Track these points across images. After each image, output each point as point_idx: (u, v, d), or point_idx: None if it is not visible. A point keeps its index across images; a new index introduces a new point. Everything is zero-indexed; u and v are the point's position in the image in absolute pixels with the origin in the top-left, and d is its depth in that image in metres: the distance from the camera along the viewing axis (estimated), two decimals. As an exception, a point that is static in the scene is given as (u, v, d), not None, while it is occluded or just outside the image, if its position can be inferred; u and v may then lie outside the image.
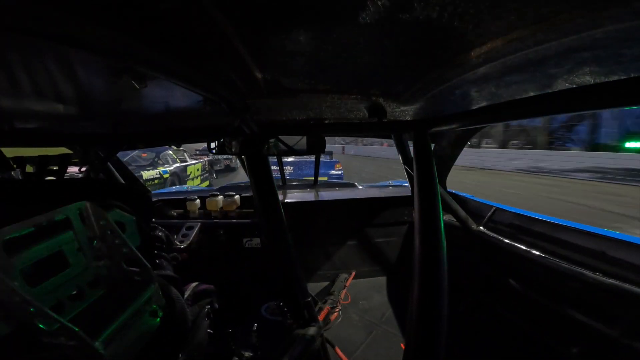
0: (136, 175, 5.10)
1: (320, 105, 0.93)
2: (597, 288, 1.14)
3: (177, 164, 7.94)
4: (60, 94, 0.65)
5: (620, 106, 0.60)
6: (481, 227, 1.84)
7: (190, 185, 8.16)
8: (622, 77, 0.55)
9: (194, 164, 8.82)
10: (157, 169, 7.11)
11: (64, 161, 1.30)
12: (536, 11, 0.35)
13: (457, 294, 1.92)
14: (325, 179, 6.92)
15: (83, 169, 1.74)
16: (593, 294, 1.17)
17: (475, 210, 2.00)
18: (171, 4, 0.33)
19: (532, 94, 0.72)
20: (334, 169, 7.32)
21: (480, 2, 0.33)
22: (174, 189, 3.16)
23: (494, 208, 1.86)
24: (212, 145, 1.52)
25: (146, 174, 6.64)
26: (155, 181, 6.84)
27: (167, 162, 7.63)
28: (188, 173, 8.32)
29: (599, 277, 1.15)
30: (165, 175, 7.25)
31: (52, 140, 1.37)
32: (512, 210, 1.75)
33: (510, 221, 1.73)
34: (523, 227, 1.64)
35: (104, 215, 0.84)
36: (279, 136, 1.43)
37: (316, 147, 1.55)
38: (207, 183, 9.62)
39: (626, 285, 1.07)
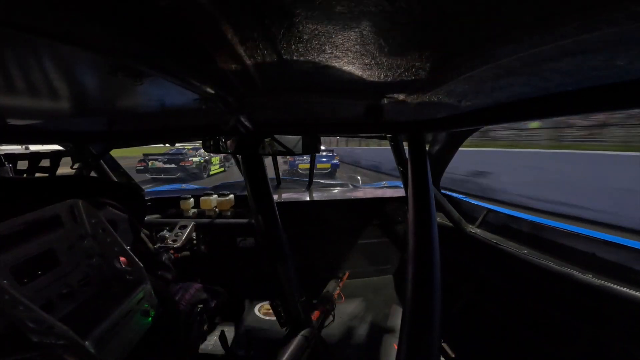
0: (188, 160, 12.22)
1: (316, 105, 0.93)
2: (588, 289, 1.16)
3: (207, 156, 13.51)
4: (55, 90, 0.64)
5: (616, 109, 0.61)
6: (474, 228, 1.85)
7: (212, 168, 14.28)
8: (618, 81, 0.56)
9: (215, 156, 14.53)
10: (198, 157, 12.75)
11: (56, 158, 1.29)
12: (533, 14, 0.35)
13: (450, 294, 1.94)
14: (329, 165, 12.22)
15: (75, 166, 1.72)
16: (584, 295, 1.18)
17: (469, 211, 2.02)
18: (168, 1, 0.33)
19: (528, 96, 0.73)
20: (334, 160, 12.38)
21: (477, 5, 0.34)
22: (167, 187, 3.14)
23: (487, 209, 1.88)
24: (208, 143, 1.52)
25: (194, 160, 12.40)
26: (200, 162, 12.82)
27: (202, 154, 13.16)
28: (212, 161, 14.23)
29: (589, 278, 1.17)
30: (202, 161, 12.99)
31: (46, 138, 1.35)
32: (505, 212, 1.77)
33: (503, 222, 1.75)
34: (516, 229, 1.66)
35: (96, 213, 0.83)
36: (275, 136, 1.42)
37: (311, 147, 1.55)
38: (222, 169, 15.65)
39: (616, 287, 1.09)
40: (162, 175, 12.03)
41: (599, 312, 1.15)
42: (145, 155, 12.43)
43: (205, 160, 13.31)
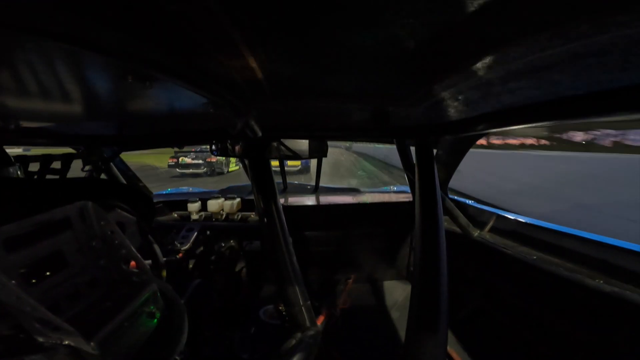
0: (207, 159, 13.53)
1: (323, 109, 0.93)
2: (598, 296, 1.13)
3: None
4: (66, 94, 0.65)
5: (625, 114, 0.59)
6: (482, 234, 1.83)
7: (231, 166, 14.72)
8: (627, 85, 0.55)
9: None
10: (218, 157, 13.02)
11: (67, 161, 1.31)
12: (540, 17, 0.35)
13: (457, 300, 1.91)
14: (299, 163, 12.74)
15: (86, 168, 1.75)
16: (594, 302, 1.16)
17: (477, 216, 1.99)
18: (177, 6, 0.33)
19: (537, 100, 0.72)
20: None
21: (485, 8, 0.33)
22: (175, 190, 3.17)
23: (496, 215, 1.85)
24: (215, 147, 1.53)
25: (213, 158, 13.27)
26: (218, 160, 13.55)
27: None
28: (230, 160, 14.40)
29: (600, 284, 1.14)
30: (221, 159, 13.39)
31: (58, 140, 1.37)
32: (514, 217, 1.74)
33: (512, 228, 1.72)
34: (524, 234, 1.63)
35: (104, 215, 0.84)
36: (282, 140, 1.43)
37: (318, 151, 1.55)
38: (239, 167, 15.59)
39: (627, 293, 1.06)
40: (190, 170, 13.45)
41: (610, 319, 1.13)
42: (176, 152, 13.47)
43: (225, 160, 15.27)
